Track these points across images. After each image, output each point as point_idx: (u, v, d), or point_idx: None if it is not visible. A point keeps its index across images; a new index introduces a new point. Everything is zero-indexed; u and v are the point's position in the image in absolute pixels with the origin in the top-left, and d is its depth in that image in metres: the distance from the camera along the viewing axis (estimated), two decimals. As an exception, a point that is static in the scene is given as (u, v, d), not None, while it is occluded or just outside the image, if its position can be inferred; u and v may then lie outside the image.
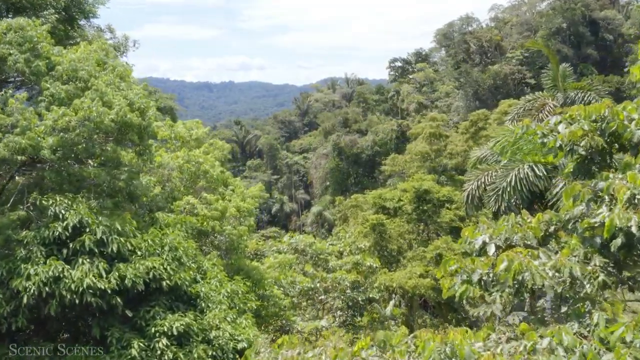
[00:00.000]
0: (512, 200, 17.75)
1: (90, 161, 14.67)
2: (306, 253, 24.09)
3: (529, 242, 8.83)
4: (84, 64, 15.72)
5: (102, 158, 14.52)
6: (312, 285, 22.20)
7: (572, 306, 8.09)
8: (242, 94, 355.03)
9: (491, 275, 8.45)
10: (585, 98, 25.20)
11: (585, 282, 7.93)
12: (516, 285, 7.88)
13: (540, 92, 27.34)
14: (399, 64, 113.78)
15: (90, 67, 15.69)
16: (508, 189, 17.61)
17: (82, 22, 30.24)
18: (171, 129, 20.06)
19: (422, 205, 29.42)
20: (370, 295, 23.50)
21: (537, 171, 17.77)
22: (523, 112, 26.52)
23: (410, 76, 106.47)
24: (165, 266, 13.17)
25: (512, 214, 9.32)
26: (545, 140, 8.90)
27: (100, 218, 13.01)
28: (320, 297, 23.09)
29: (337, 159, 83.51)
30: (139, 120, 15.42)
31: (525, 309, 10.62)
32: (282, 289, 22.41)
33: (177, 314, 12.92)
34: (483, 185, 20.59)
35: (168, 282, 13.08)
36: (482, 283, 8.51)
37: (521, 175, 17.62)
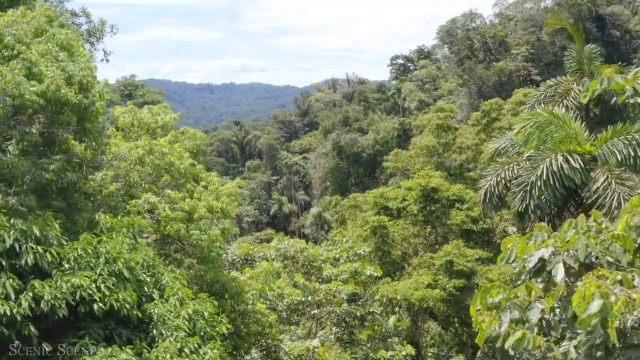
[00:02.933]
0: (543, 198, 14.57)
1: (10, 147, 11.58)
2: (297, 260, 20.90)
3: (612, 260, 5.63)
4: (12, 29, 12.66)
5: (25, 143, 11.42)
6: (303, 299, 18.98)
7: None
8: (243, 96, 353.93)
9: (560, 313, 5.28)
10: (617, 82, 22.08)
11: None
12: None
13: (563, 77, 24.15)
14: (400, 61, 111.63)
15: (19, 33, 12.62)
16: (538, 184, 14.44)
17: (54, 2, 27.20)
18: (133, 115, 16.93)
19: (429, 205, 26.09)
20: (371, 310, 20.29)
21: (572, 162, 14.61)
22: (544, 99, 23.33)
23: (413, 74, 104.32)
24: (98, 284, 10.01)
25: (582, 215, 6.16)
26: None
27: (13, 220, 9.89)
28: (312, 312, 19.90)
29: (337, 158, 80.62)
30: (78, 97, 12.32)
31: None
32: (267, 302, 19.26)
33: (111, 348, 9.76)
34: (503, 181, 17.43)
35: (101, 305, 9.91)
36: (544, 325, 5.33)
37: (554, 168, 14.45)
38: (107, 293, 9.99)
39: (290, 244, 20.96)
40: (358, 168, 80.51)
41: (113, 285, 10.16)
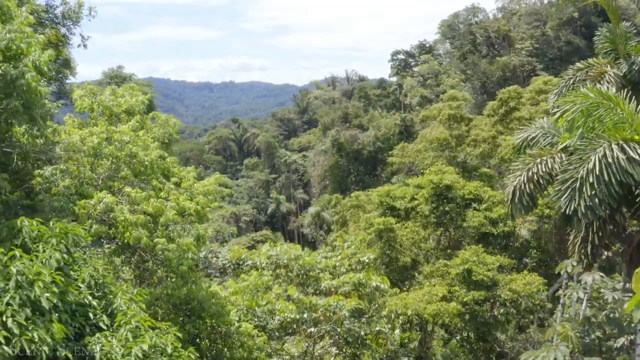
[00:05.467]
0: (596, 197, 11.69)
1: None
2: (291, 269, 18.03)
3: None
4: None
5: None
6: (298, 316, 16.08)
7: None
8: (243, 94, 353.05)
9: None
10: (660, 65, 19.29)
11: None
12: None
13: (594, 59, 21.28)
14: (401, 56, 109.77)
15: None
16: (590, 180, 11.58)
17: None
18: (92, 97, 14.05)
19: (442, 205, 23.05)
20: (377, 328, 17.42)
21: (631, 152, 11.73)
22: (574, 84, 20.49)
23: (414, 69, 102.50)
24: (4, 318, 7.15)
25: None
26: None
27: None
28: (309, 330, 17.03)
29: (336, 155, 77.81)
30: (2, 66, 9.49)
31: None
32: (256, 319, 16.40)
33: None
34: (535, 177, 14.57)
35: (7, 349, 7.03)
36: None
37: (608, 159, 11.58)
38: (16, 331, 7.12)
39: (283, 251, 18.05)
40: (358, 166, 77.83)
41: (26, 319, 7.29)
